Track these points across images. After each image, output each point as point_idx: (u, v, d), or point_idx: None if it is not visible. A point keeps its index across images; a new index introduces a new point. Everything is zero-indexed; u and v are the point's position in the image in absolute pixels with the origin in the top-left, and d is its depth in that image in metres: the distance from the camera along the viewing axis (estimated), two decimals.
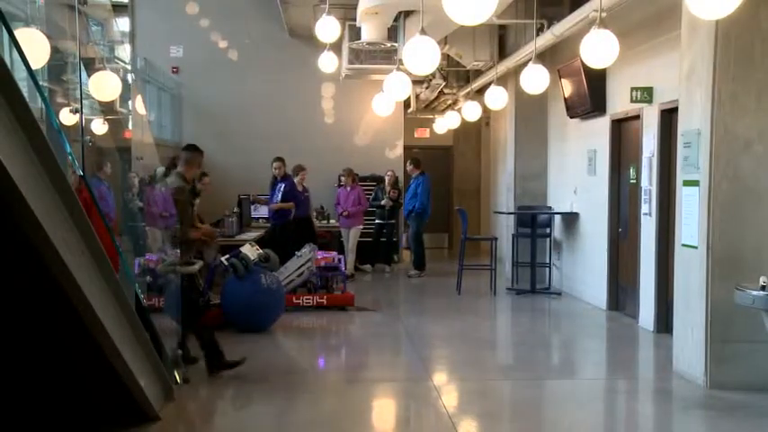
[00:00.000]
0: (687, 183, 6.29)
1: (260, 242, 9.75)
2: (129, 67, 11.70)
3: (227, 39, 14.01)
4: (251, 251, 8.52)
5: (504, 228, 12.62)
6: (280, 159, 11.19)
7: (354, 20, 9.43)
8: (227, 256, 8.52)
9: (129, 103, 10.13)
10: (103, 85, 6.82)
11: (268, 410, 5.68)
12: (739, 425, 5.31)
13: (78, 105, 5.65)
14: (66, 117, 5.54)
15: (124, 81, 9.24)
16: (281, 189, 11.06)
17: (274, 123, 13.75)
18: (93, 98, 6.97)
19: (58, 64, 5.98)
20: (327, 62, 9.49)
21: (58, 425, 4.94)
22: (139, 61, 12.49)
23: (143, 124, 9.25)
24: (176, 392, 5.66)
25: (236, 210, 11.59)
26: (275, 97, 13.90)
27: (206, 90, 13.90)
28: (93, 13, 7.91)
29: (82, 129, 5.21)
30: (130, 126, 9.45)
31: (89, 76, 6.66)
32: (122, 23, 13.47)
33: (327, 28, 8.09)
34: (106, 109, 7.45)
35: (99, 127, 7.76)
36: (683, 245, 6.35)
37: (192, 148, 6.55)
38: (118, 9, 13.04)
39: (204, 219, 11.09)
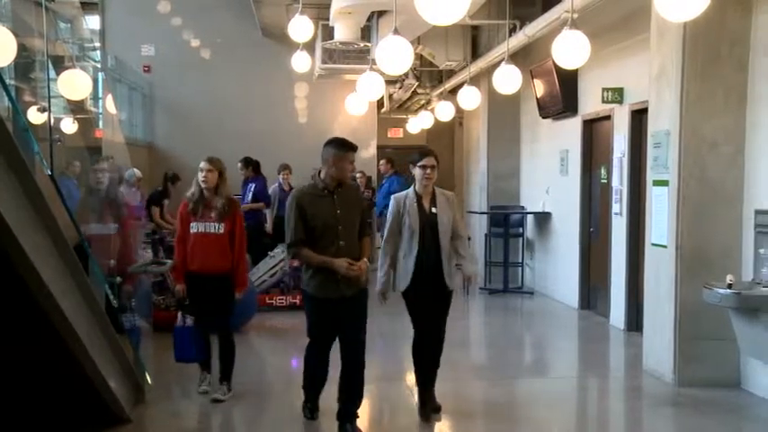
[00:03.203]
0: (657, 183, 6.36)
1: None
2: (99, 66, 11.57)
3: (199, 38, 13.89)
4: None
5: (477, 227, 12.67)
6: (241, 161, 11.16)
7: (327, 19, 9.41)
8: None
9: (100, 101, 10.03)
10: (73, 84, 6.73)
11: (241, 412, 5.65)
12: (707, 421, 5.39)
13: (46, 104, 5.56)
14: (34, 116, 5.44)
15: (94, 80, 9.13)
16: (251, 189, 11.01)
17: (247, 123, 13.66)
18: (62, 97, 6.87)
19: (25, 62, 5.88)
20: (300, 62, 9.45)
21: (27, 427, 4.87)
22: (110, 60, 12.35)
23: (113, 123, 9.13)
24: (148, 394, 5.61)
25: None
26: (248, 97, 13.81)
27: (178, 89, 13.78)
28: (62, 10, 7.80)
29: (50, 128, 5.13)
30: (101, 125, 9.36)
31: (58, 74, 6.57)
32: (93, 21, 13.31)
33: (300, 27, 8.05)
34: (76, 108, 7.35)
35: (69, 126, 7.66)
36: (653, 244, 6.42)
37: (330, 143, 4.91)
38: (88, 7, 12.88)
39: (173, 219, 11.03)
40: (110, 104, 9.52)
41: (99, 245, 5.64)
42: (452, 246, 5.29)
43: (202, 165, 5.68)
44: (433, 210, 5.26)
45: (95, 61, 11.65)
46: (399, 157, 14.47)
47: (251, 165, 11.17)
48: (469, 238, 11.62)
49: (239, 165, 11.04)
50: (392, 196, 5.38)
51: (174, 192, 10.68)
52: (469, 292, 5.27)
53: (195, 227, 5.63)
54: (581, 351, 8.03)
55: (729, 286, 5.21)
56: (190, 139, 13.50)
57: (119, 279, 6.04)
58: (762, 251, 5.51)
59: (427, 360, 5.38)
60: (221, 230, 5.63)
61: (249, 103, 13.79)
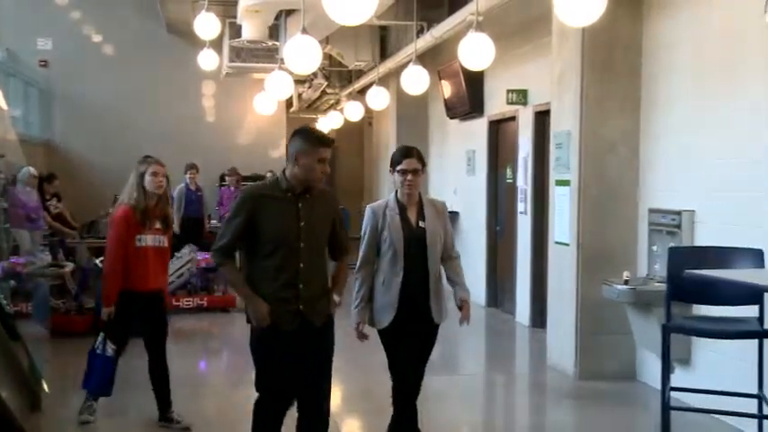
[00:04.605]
0: (559, 182, 6.55)
1: None
2: None
3: (101, 33, 13.47)
4: None
5: None
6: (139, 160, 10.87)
7: (235, 17, 9.28)
8: (101, 258, 8.19)
9: None
10: None
11: (144, 418, 5.48)
12: (605, 411, 5.60)
13: None
14: None
15: None
16: None
17: (153, 121, 13.34)
18: None
19: None
20: (207, 60, 9.30)
21: None
22: (1, 53, 11.79)
23: (5, 120, 8.72)
24: (44, 401, 5.38)
25: (111, 210, 11.15)
26: (154, 94, 13.49)
27: (79, 86, 13.31)
28: None
29: None
30: None
31: None
32: None
33: (207, 25, 7.93)
34: None
35: None
36: (556, 242, 6.61)
37: (297, 133, 3.81)
38: None
39: (74, 219, 10.64)
40: (0, 100, 9.08)
41: None
42: (445, 269, 4.32)
43: (156, 168, 4.94)
44: (421, 223, 4.22)
45: None
46: None
47: None
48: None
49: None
50: (368, 206, 4.38)
51: (52, 190, 10.29)
52: (469, 320, 4.37)
53: (143, 240, 4.91)
54: (488, 348, 8.20)
55: (626, 282, 5.43)
56: (91, 136, 13.08)
57: (12, 283, 5.77)
58: (654, 248, 5.76)
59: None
60: (165, 243, 5.05)
61: (154, 100, 13.47)
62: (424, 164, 4.26)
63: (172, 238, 5.25)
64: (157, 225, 5.00)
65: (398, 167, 4.19)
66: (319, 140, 3.73)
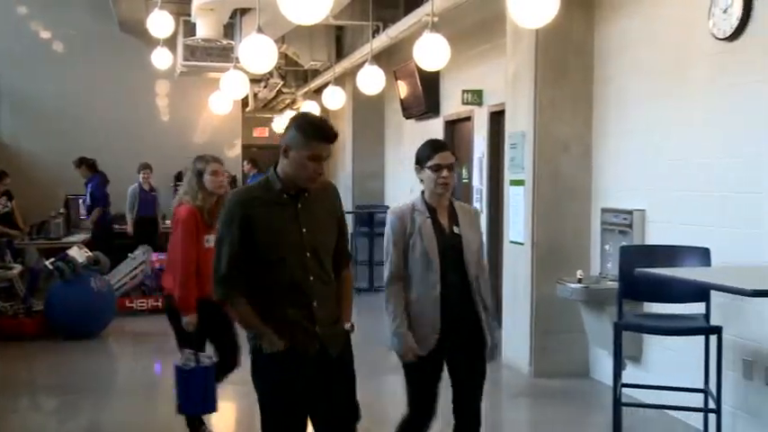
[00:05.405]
0: (514, 182, 6.63)
1: (90, 245, 9.30)
2: None
3: (50, 30, 13.18)
4: (79, 254, 8.14)
5: None
6: (74, 161, 10.77)
7: (189, 15, 9.17)
8: (52, 259, 8.06)
9: None
10: None
11: (98, 421, 5.41)
12: (559, 409, 5.68)
13: None
14: None
15: None
16: (89, 190, 10.64)
17: (106, 120, 13.09)
18: None
19: None
20: (161, 58, 9.19)
21: None
22: None
23: None
24: None
25: (62, 211, 10.97)
26: (106, 93, 13.23)
27: (27, 83, 12.99)
28: None
29: None
30: None
31: None
32: None
33: (160, 23, 7.84)
34: None
35: None
36: (511, 241, 6.69)
37: (294, 122, 3.18)
38: None
39: (25, 220, 10.42)
40: None
41: None
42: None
43: (215, 167, 4.59)
44: (455, 229, 3.60)
45: None
46: (265, 157, 14.35)
47: (84, 163, 10.76)
48: None
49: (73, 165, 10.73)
50: (390, 211, 3.76)
51: (3, 188, 10.06)
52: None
53: (210, 240, 4.41)
54: None
55: (579, 281, 5.53)
56: (42, 135, 12.81)
57: None
58: (607, 247, 5.87)
59: None
60: None
61: (107, 99, 13.23)
62: (456, 158, 3.68)
63: None
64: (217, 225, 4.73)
65: (430, 163, 3.54)
66: (316, 133, 3.03)
